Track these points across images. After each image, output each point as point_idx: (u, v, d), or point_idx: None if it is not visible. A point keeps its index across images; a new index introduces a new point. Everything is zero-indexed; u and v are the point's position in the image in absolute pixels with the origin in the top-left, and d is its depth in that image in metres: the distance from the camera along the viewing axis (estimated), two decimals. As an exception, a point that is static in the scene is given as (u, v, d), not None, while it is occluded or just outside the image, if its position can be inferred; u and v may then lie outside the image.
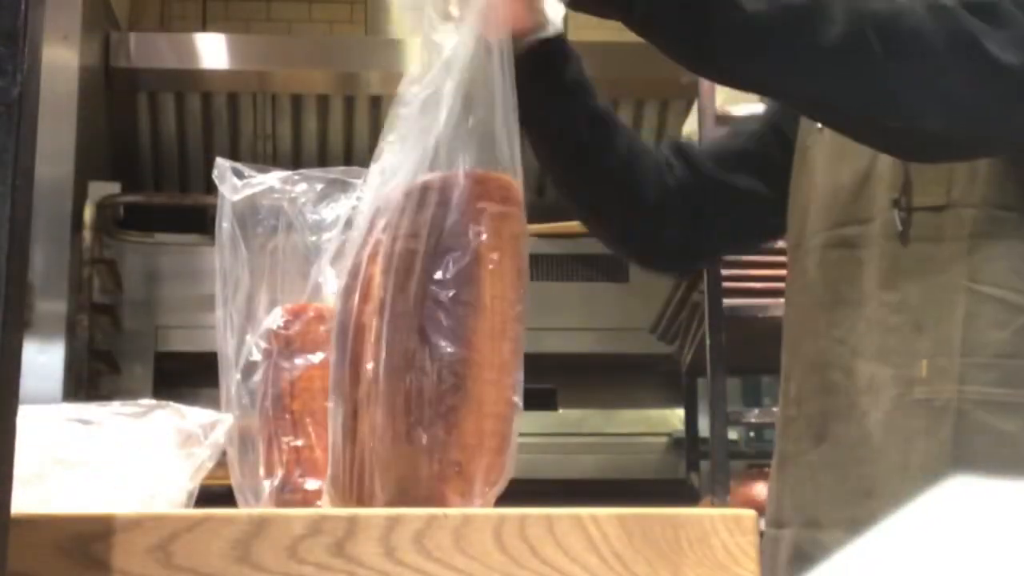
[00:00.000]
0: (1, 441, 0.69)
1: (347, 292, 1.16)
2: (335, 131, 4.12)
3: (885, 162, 1.32)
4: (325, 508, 1.03)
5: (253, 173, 1.36)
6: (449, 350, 1.07)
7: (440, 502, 1.02)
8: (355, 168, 1.37)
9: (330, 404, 1.17)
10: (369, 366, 1.12)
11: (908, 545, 0.66)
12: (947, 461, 1.23)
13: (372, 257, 1.15)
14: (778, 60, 1.12)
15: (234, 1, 4.83)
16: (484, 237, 1.10)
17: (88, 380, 3.47)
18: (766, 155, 1.52)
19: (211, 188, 1.39)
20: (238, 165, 1.36)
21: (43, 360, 3.32)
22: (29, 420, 1.11)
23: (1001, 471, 1.17)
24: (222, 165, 1.35)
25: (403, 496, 1.03)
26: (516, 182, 1.13)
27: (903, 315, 1.29)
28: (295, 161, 4.08)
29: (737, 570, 0.91)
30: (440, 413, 1.07)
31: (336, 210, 1.36)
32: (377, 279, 1.13)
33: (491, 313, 1.08)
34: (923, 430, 1.26)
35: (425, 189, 1.12)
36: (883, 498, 1.27)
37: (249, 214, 1.36)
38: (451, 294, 1.08)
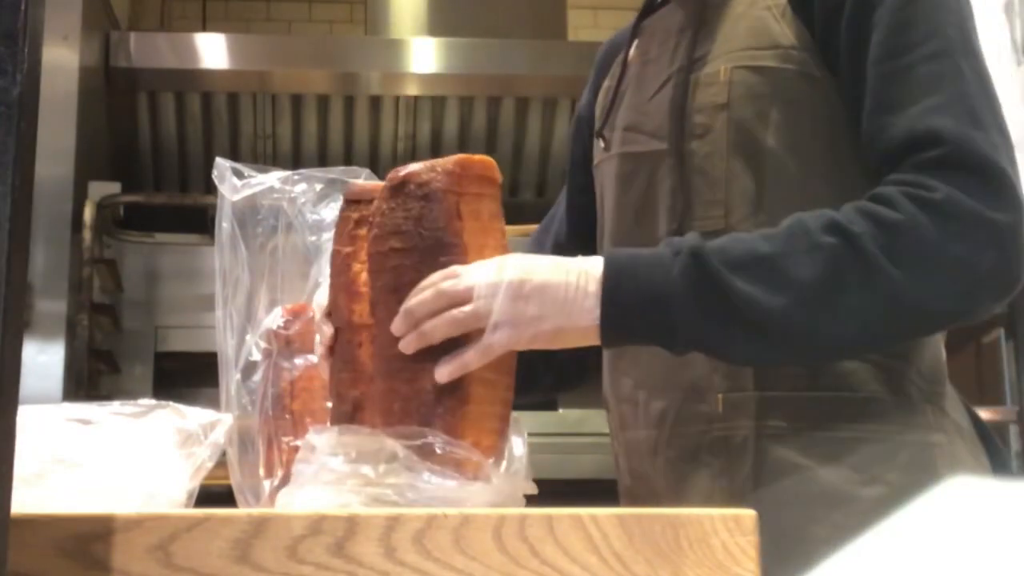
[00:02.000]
0: (1, 441, 0.69)
1: (335, 291, 1.17)
2: (335, 131, 4.12)
3: (664, 187, 1.30)
4: (325, 508, 1.03)
5: (253, 173, 1.36)
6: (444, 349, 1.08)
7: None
8: (355, 168, 1.37)
9: (329, 403, 1.17)
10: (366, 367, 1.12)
11: (903, 547, 0.66)
12: (749, 496, 1.22)
13: (355, 254, 1.16)
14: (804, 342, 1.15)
15: (234, 1, 4.83)
16: (467, 227, 1.11)
17: (88, 380, 3.47)
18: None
19: (211, 188, 1.39)
20: (238, 165, 1.36)
21: (43, 360, 3.32)
22: (29, 420, 1.11)
23: (802, 507, 1.18)
24: (222, 165, 1.35)
25: None
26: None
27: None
28: (295, 161, 4.08)
29: (737, 570, 0.91)
30: (438, 414, 1.07)
31: (336, 210, 1.36)
32: (363, 277, 1.14)
33: None
34: (724, 468, 1.24)
35: (405, 182, 1.11)
36: None
37: (249, 214, 1.36)
38: None
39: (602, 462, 4.09)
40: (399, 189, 1.11)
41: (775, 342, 1.14)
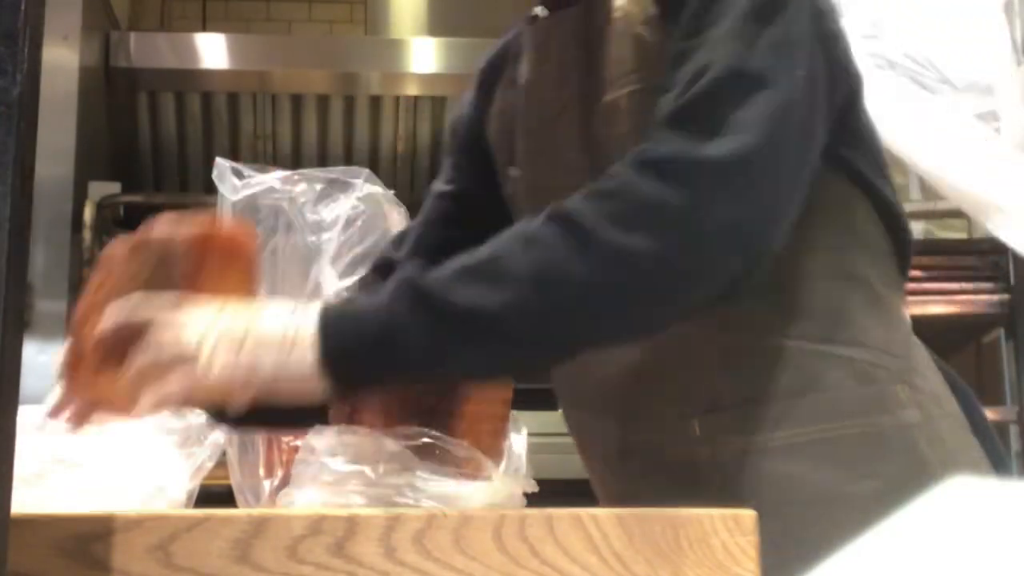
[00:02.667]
0: (1, 441, 0.69)
1: (69, 351, 1.10)
2: (335, 131, 4.12)
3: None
4: (325, 508, 1.03)
5: (253, 173, 1.36)
6: None
7: None
8: (355, 168, 1.37)
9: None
10: None
11: (904, 548, 0.66)
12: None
13: (90, 314, 1.10)
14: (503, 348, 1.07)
15: (234, 1, 4.83)
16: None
17: (88, 380, 3.47)
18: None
19: (211, 188, 1.39)
20: (238, 165, 1.36)
21: (43, 360, 3.30)
22: (29, 420, 1.11)
23: (800, 514, 1.15)
24: (222, 165, 1.35)
25: None
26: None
27: (659, 380, 1.24)
28: (295, 161, 4.08)
29: (737, 570, 0.91)
30: (437, 414, 1.08)
31: (336, 210, 1.36)
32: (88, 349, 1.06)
33: None
34: (722, 487, 1.20)
35: (143, 244, 1.05)
36: None
37: (249, 214, 1.36)
38: None
39: (602, 462, 4.10)
40: (137, 250, 1.04)
41: (514, 343, 1.06)
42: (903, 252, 1.29)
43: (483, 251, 1.07)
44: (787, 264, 1.19)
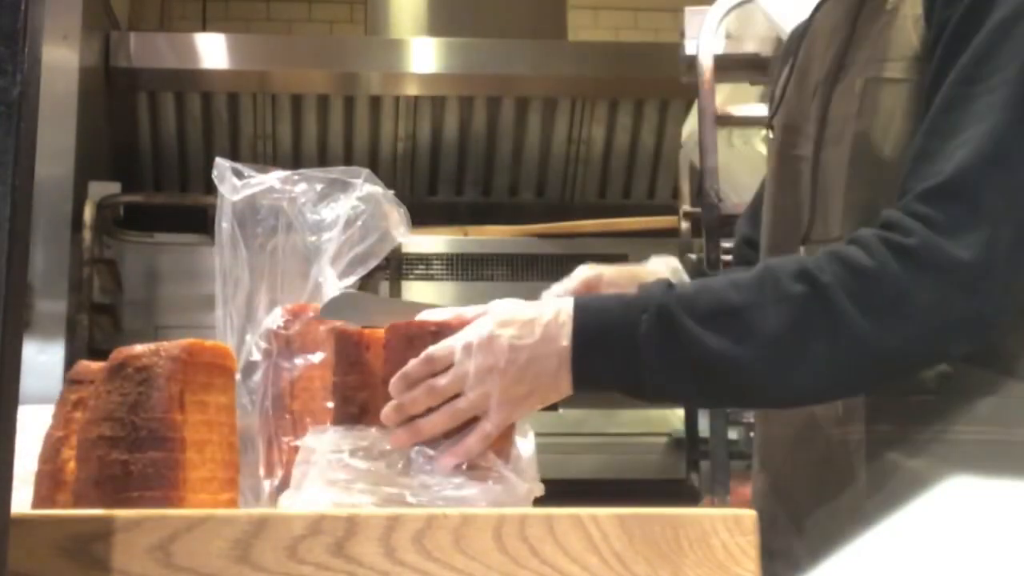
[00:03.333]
0: (1, 441, 0.69)
1: (40, 478, 1.08)
2: (335, 131, 4.12)
3: (805, 194, 1.32)
4: (325, 508, 1.03)
5: (253, 173, 1.36)
6: None
7: None
8: (355, 168, 1.37)
9: (330, 404, 1.17)
10: None
11: (907, 546, 0.66)
12: (865, 500, 1.22)
13: (66, 439, 1.08)
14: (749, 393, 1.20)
15: (234, 1, 4.83)
16: (189, 420, 1.02)
17: (88, 380, 3.47)
18: None
19: (211, 188, 1.39)
20: (238, 165, 1.36)
21: (43, 360, 3.32)
22: (29, 420, 1.10)
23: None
24: (222, 165, 1.35)
25: None
26: (230, 347, 1.08)
27: None
28: (295, 161, 4.08)
29: (737, 570, 0.91)
30: None
31: (336, 210, 1.36)
32: (71, 466, 1.05)
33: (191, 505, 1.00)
34: (845, 470, 1.25)
35: (123, 364, 1.03)
36: (813, 536, 1.26)
37: (249, 214, 1.36)
38: (147, 493, 0.99)
39: (602, 462, 4.09)
40: (117, 371, 1.02)
41: (742, 392, 1.18)
42: None
43: (732, 293, 1.16)
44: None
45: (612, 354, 1.15)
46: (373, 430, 1.09)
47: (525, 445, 1.15)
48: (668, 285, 1.18)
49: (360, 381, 1.14)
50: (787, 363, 1.14)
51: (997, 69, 1.15)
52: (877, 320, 1.12)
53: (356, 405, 1.13)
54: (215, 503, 1.03)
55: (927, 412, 1.22)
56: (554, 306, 1.17)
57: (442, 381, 1.11)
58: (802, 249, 1.29)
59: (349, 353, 1.15)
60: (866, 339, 1.12)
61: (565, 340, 1.15)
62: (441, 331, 1.12)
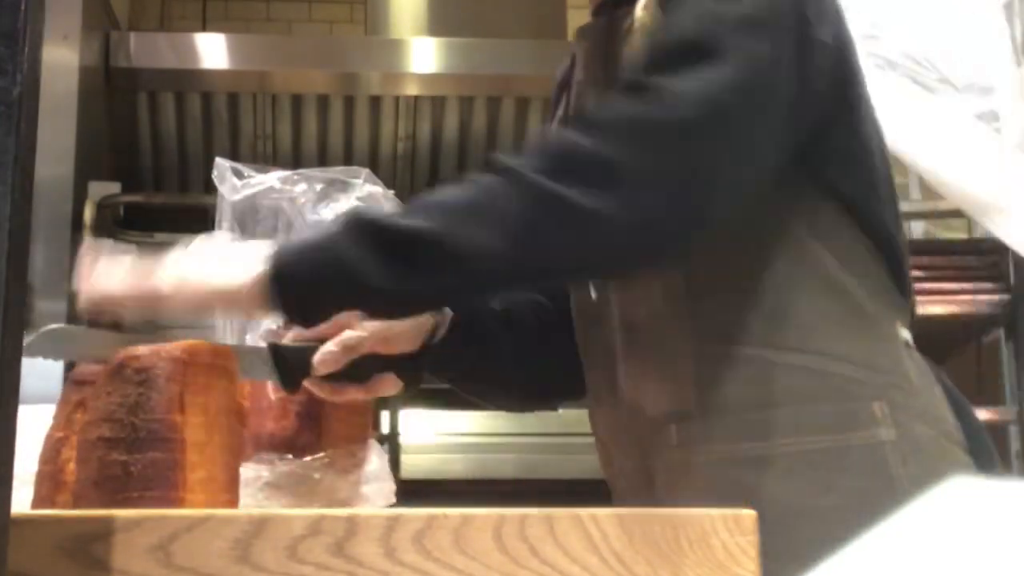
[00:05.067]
0: (1, 441, 0.69)
1: (41, 479, 1.09)
2: (335, 131, 4.12)
3: None
4: (325, 508, 1.03)
5: (253, 173, 1.36)
6: None
7: None
8: (355, 168, 1.37)
9: None
10: None
11: (905, 546, 0.66)
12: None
13: (67, 439, 1.09)
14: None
15: (234, 1, 4.83)
16: (189, 422, 1.02)
17: (88, 380, 3.47)
18: None
19: (211, 188, 1.39)
20: (238, 165, 1.36)
21: (43, 360, 3.32)
22: (29, 420, 1.10)
23: (765, 526, 1.18)
24: (222, 165, 1.35)
25: None
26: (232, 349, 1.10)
27: (650, 382, 1.29)
28: (295, 161, 4.08)
29: (737, 570, 0.91)
30: None
31: (336, 210, 1.36)
32: (71, 467, 1.06)
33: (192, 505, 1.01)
34: (697, 493, 1.23)
35: (123, 365, 1.03)
36: None
37: (249, 214, 1.36)
38: (147, 494, 1.00)
39: (602, 462, 4.10)
40: (117, 372, 1.03)
41: (454, 265, 1.13)
42: (898, 271, 1.29)
43: (420, 197, 1.15)
44: (764, 275, 1.22)
45: (308, 249, 1.13)
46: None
47: (374, 461, 1.21)
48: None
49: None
50: (485, 230, 1.11)
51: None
52: (567, 186, 1.10)
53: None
54: (215, 504, 1.02)
55: (762, 427, 1.21)
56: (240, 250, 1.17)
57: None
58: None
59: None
60: (558, 199, 1.10)
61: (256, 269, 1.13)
62: (143, 366, 1.06)
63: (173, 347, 1.04)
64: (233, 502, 1.06)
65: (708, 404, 1.23)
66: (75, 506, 1.02)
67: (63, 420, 1.09)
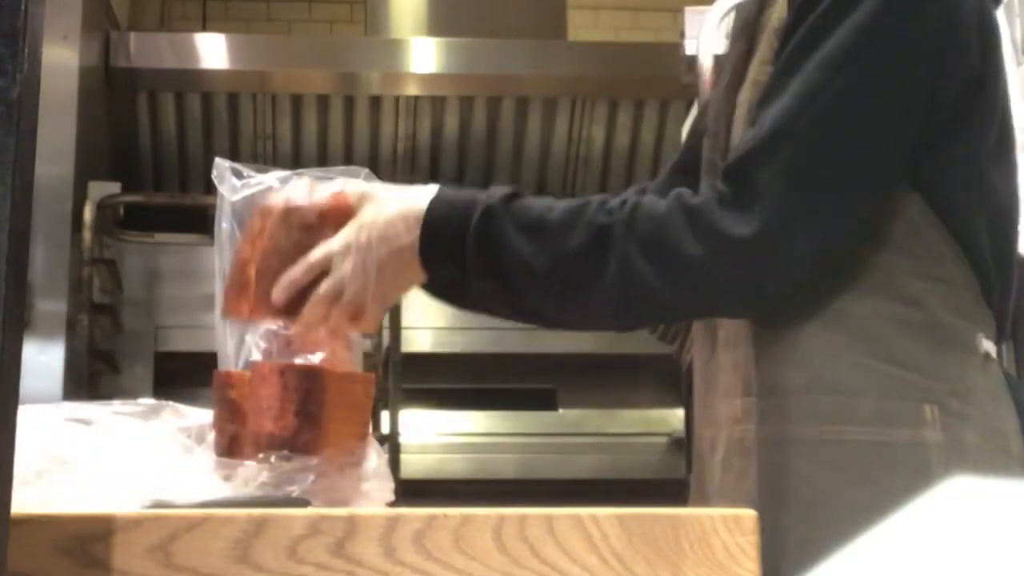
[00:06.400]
0: (1, 441, 0.69)
1: (230, 287, 1.31)
2: (335, 131, 4.12)
3: None
4: (325, 508, 1.03)
5: (252, 173, 1.36)
6: None
7: None
8: (355, 168, 1.37)
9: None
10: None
11: (906, 545, 0.66)
12: (757, 500, 1.24)
13: (250, 260, 1.31)
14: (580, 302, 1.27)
15: (234, 1, 4.83)
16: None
17: (88, 380, 3.47)
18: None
19: (211, 188, 1.39)
20: (237, 165, 1.36)
21: (43, 360, 3.32)
22: (29, 420, 1.11)
23: (799, 509, 1.21)
24: (221, 165, 1.35)
25: None
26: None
27: (729, 353, 1.35)
28: (295, 161, 4.08)
29: (737, 570, 0.91)
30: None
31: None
32: (253, 280, 1.30)
33: None
34: (743, 470, 1.28)
35: (290, 211, 1.29)
36: None
37: (249, 214, 1.36)
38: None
39: (602, 462, 4.09)
40: (287, 218, 1.30)
41: (536, 301, 1.28)
42: (986, 282, 1.30)
43: (556, 212, 1.26)
44: (838, 279, 1.26)
45: (448, 253, 1.26)
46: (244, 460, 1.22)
47: (372, 458, 1.26)
48: (514, 192, 1.27)
49: (228, 416, 1.27)
50: (572, 284, 1.24)
51: (798, 66, 1.23)
52: (652, 263, 1.21)
53: (227, 437, 1.26)
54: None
55: (813, 413, 1.24)
56: (416, 200, 1.27)
57: (323, 287, 1.26)
58: None
59: (218, 391, 1.28)
60: (640, 276, 1.21)
61: (414, 235, 1.26)
62: (320, 218, 1.30)
63: (324, 200, 1.29)
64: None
65: (763, 384, 1.28)
66: (254, 306, 1.29)
67: (249, 242, 1.31)
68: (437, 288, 1.31)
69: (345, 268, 1.27)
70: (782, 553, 1.12)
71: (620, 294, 1.23)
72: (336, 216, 1.30)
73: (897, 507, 0.95)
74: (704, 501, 1.36)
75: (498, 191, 1.27)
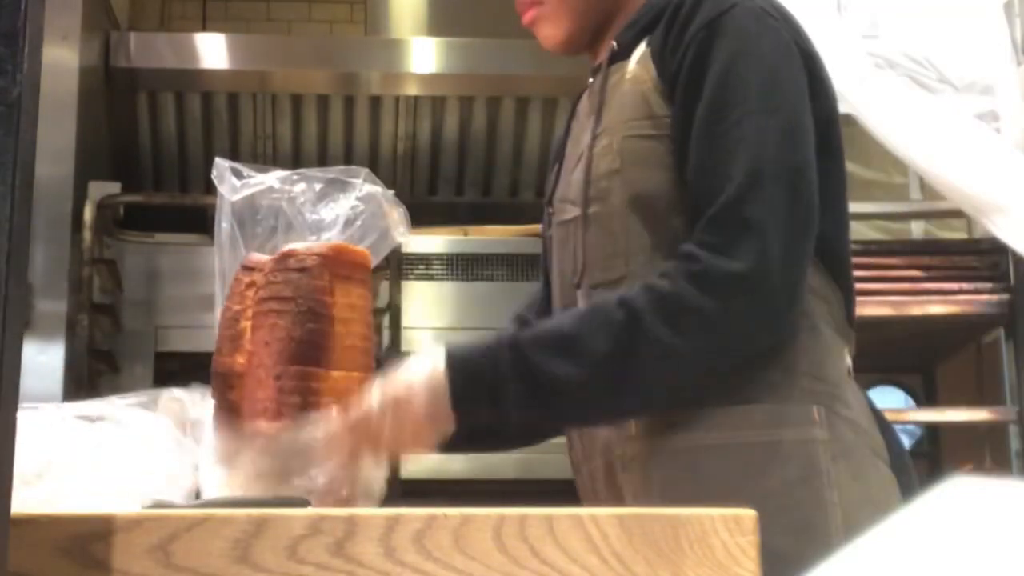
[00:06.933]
0: (1, 441, 0.69)
1: (222, 342, 1.34)
2: (335, 131, 4.12)
3: (568, 250, 1.50)
4: (325, 508, 1.04)
5: (252, 173, 1.36)
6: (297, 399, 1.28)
7: None
8: (354, 168, 1.37)
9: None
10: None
11: (905, 546, 0.66)
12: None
13: (242, 311, 1.32)
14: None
15: (234, 1, 4.83)
16: (336, 302, 1.30)
17: (88, 380, 3.47)
18: None
19: (211, 188, 1.39)
20: (237, 165, 1.36)
21: (43, 360, 3.32)
22: (29, 420, 1.11)
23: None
24: (221, 165, 1.35)
25: None
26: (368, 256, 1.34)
27: None
28: (295, 161, 4.08)
29: (737, 570, 0.91)
30: None
31: (336, 210, 1.36)
32: (247, 334, 1.31)
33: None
34: (639, 485, 1.41)
35: (286, 257, 1.30)
36: None
37: (249, 214, 1.36)
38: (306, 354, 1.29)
39: (602, 462, 4.10)
40: (282, 262, 1.30)
41: (586, 409, 1.37)
42: (850, 301, 1.47)
43: (567, 323, 1.38)
44: None
45: (484, 395, 1.32)
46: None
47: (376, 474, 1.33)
48: (522, 322, 1.41)
49: (227, 418, 1.31)
50: (617, 378, 1.32)
51: (734, 107, 1.36)
52: (683, 334, 1.32)
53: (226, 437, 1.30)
54: (356, 367, 1.31)
55: (707, 422, 1.37)
56: (424, 365, 1.32)
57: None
58: (578, 293, 1.47)
59: (218, 395, 1.32)
60: (677, 350, 1.32)
61: (442, 401, 1.32)
62: (302, 259, 1.31)
63: (324, 246, 1.31)
64: (370, 367, 1.34)
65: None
66: (249, 364, 1.29)
67: (238, 296, 1.33)
68: (459, 438, 1.36)
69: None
70: None
71: (658, 374, 1.33)
72: (336, 262, 1.31)
73: (794, 494, 1.27)
74: None
75: (503, 333, 1.39)
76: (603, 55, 1.54)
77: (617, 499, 1.43)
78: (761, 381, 1.37)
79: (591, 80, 1.59)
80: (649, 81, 1.44)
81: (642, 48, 1.46)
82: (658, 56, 1.43)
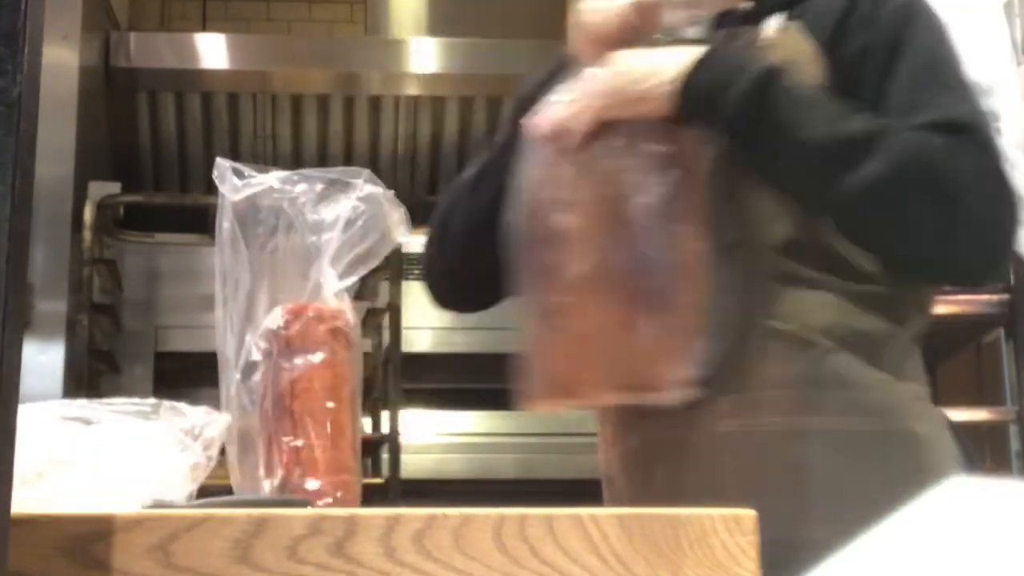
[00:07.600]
0: (1, 441, 0.69)
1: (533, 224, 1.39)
2: (335, 131, 4.12)
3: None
4: (325, 508, 1.04)
5: (253, 173, 1.36)
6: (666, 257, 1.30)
7: (655, 383, 1.26)
8: (355, 168, 1.37)
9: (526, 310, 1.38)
10: (578, 269, 1.34)
11: (905, 545, 0.66)
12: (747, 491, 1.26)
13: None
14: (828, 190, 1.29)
15: (234, 1, 4.83)
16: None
17: (88, 380, 3.47)
18: None
19: (211, 188, 1.39)
20: (238, 165, 1.36)
21: (43, 360, 3.32)
22: (29, 420, 1.11)
23: (795, 495, 1.28)
24: (222, 165, 1.35)
25: (622, 379, 1.28)
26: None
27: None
28: (295, 161, 4.08)
29: (737, 570, 0.91)
30: (659, 306, 1.28)
31: (336, 210, 1.36)
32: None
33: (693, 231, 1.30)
34: (744, 460, 1.33)
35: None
36: None
37: (249, 214, 1.36)
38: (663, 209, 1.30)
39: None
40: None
41: (791, 166, 1.30)
42: (926, 312, 1.44)
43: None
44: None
45: (718, 87, 1.31)
46: None
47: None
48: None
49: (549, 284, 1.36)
50: (842, 162, 1.26)
51: (943, 72, 1.42)
52: (999, 175, 1.28)
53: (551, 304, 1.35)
54: None
55: (813, 405, 1.31)
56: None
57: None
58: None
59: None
60: (917, 170, 1.25)
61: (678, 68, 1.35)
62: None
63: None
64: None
65: (761, 379, 1.33)
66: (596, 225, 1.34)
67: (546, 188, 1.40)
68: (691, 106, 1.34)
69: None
70: (788, 542, 1.13)
71: (889, 185, 1.25)
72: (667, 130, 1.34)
73: (901, 489, 0.97)
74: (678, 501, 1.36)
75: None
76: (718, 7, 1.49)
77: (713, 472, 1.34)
78: (862, 369, 1.33)
79: (687, 32, 1.53)
80: (800, 53, 1.38)
81: (778, 18, 1.42)
82: (823, 30, 1.39)
